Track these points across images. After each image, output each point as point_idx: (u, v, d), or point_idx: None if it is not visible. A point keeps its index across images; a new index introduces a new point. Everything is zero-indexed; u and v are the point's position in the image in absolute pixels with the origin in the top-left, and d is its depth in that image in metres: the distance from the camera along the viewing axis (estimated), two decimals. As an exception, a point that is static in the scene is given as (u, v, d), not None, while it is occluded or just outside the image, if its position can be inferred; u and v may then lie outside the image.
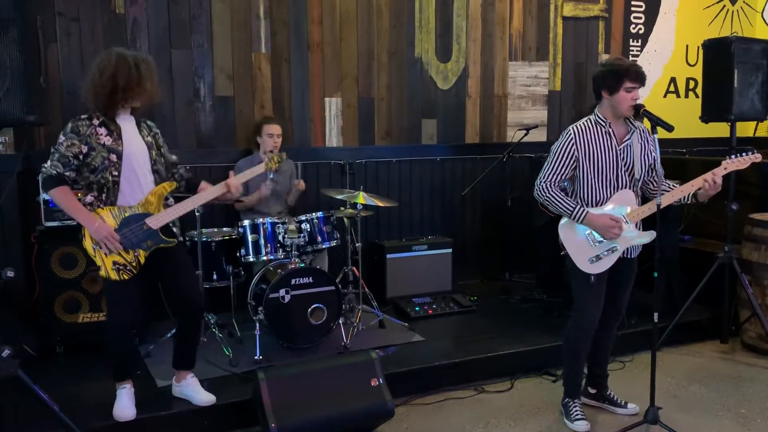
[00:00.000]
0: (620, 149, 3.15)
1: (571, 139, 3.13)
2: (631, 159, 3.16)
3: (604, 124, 3.15)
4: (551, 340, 4.04)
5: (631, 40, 6.14)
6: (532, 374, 3.97)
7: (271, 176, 4.16)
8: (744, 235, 4.41)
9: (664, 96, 6.37)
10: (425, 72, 5.35)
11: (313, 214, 4.16)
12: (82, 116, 3.00)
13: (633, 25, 6.13)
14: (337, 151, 5.09)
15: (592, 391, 3.55)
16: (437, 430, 3.35)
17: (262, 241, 4.02)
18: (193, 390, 3.29)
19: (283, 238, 4.01)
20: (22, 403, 3.03)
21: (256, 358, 3.65)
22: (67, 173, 2.95)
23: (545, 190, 3.16)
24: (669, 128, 3.08)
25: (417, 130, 5.37)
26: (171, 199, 3.18)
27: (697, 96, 6.32)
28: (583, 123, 3.18)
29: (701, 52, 4.59)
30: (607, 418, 3.45)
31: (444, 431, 3.35)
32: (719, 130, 5.15)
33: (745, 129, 6.34)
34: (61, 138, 2.96)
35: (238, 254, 4.07)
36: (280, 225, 4.05)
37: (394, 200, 4.56)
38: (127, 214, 3.01)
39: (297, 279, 3.85)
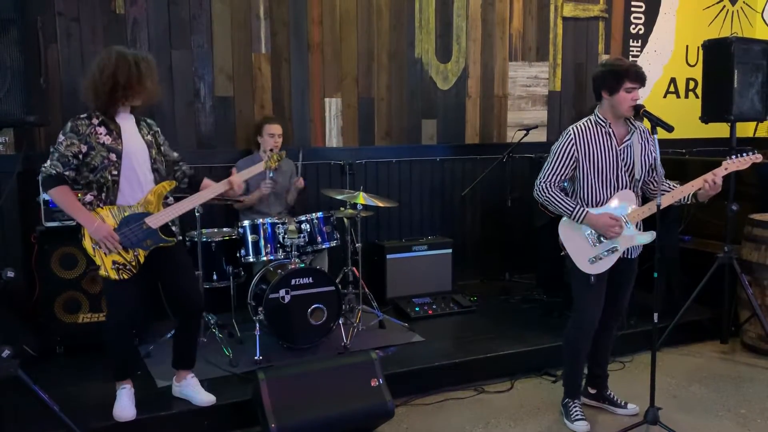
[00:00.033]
0: (620, 149, 3.15)
1: (571, 139, 3.13)
2: (631, 159, 3.16)
3: (604, 124, 3.15)
4: (551, 340, 4.04)
5: (631, 40, 6.14)
6: (532, 374, 3.97)
7: (271, 175, 4.18)
8: (744, 235, 4.41)
9: (664, 96, 6.37)
10: (425, 72, 5.34)
11: (313, 214, 4.16)
12: (82, 116, 3.00)
13: (633, 26, 6.13)
14: (337, 151, 5.09)
15: (592, 391, 3.55)
16: (437, 431, 3.35)
17: (262, 242, 4.02)
18: (193, 390, 3.29)
19: (283, 238, 4.01)
20: (22, 403, 3.03)
21: (256, 358, 3.65)
22: (67, 173, 2.95)
23: (545, 190, 3.16)
24: (669, 128, 3.07)
25: (417, 130, 5.37)
26: (170, 198, 3.18)
27: (697, 96, 6.32)
28: (583, 123, 3.18)
29: (701, 52, 4.59)
30: (607, 418, 3.45)
31: (444, 431, 3.35)
32: (719, 130, 5.14)
33: (745, 129, 6.33)
34: (61, 137, 2.96)
35: (238, 254, 4.08)
36: (280, 225, 4.05)
37: (394, 200, 4.56)
38: (126, 214, 3.01)
39: (297, 279, 3.85)
